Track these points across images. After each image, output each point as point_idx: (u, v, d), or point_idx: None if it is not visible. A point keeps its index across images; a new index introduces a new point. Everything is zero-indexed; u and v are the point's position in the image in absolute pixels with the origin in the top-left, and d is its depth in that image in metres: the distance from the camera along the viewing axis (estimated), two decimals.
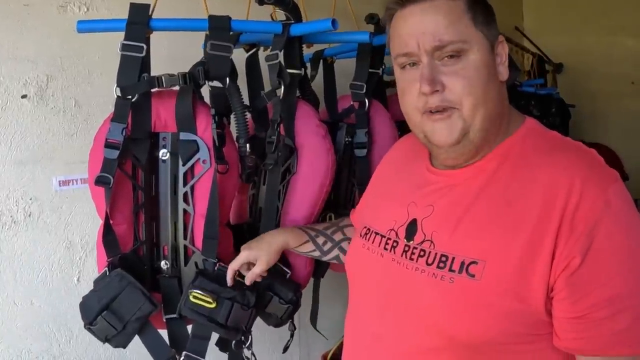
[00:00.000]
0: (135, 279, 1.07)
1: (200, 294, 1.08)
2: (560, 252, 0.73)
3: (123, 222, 1.12)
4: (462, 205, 0.84)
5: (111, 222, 1.09)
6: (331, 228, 1.23)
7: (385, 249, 0.92)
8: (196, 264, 1.14)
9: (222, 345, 1.23)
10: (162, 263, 1.16)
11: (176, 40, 1.35)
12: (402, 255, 0.88)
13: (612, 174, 0.79)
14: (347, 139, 1.47)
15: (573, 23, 3.72)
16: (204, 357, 1.11)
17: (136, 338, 1.10)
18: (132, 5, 1.10)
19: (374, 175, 1.15)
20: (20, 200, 1.32)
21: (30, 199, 1.34)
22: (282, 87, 1.21)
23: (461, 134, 0.83)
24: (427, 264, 0.83)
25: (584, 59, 3.70)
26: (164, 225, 1.16)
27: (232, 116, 1.18)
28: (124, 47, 1.08)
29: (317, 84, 1.52)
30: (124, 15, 1.10)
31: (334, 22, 1.18)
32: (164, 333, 1.14)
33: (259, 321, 1.23)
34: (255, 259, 1.13)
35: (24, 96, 1.32)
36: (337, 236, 1.21)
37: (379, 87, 1.55)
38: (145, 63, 1.10)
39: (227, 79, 1.12)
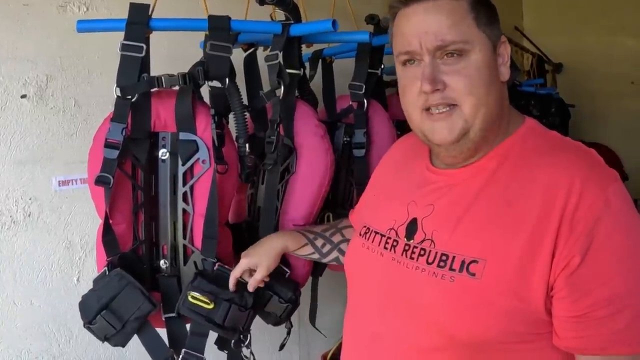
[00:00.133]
0: (135, 278, 1.07)
1: (199, 294, 1.08)
2: (560, 252, 0.74)
3: (122, 221, 1.12)
4: (462, 204, 0.84)
5: (111, 221, 1.09)
6: (330, 230, 1.23)
7: (385, 248, 0.92)
8: (195, 263, 1.14)
9: (221, 344, 1.23)
10: (162, 262, 1.16)
11: (176, 40, 1.35)
12: (402, 255, 0.88)
13: (611, 173, 0.79)
14: (345, 139, 1.47)
15: (573, 23, 3.73)
16: (202, 354, 1.12)
17: (135, 337, 1.11)
18: (131, 5, 1.10)
19: (373, 174, 1.15)
20: (19, 200, 1.32)
21: (30, 199, 1.34)
22: (282, 88, 1.21)
23: (461, 133, 0.83)
24: (428, 263, 0.83)
25: (583, 58, 3.70)
26: (164, 225, 1.16)
27: (231, 116, 1.18)
28: (124, 47, 1.08)
29: (316, 84, 1.52)
30: (124, 15, 1.10)
31: (334, 23, 1.18)
32: (163, 332, 1.14)
33: (258, 320, 1.23)
34: (255, 265, 1.13)
35: (23, 96, 1.32)
36: (336, 238, 1.21)
37: (379, 87, 1.56)
38: (145, 63, 1.10)
39: (227, 79, 1.12)
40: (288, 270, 1.25)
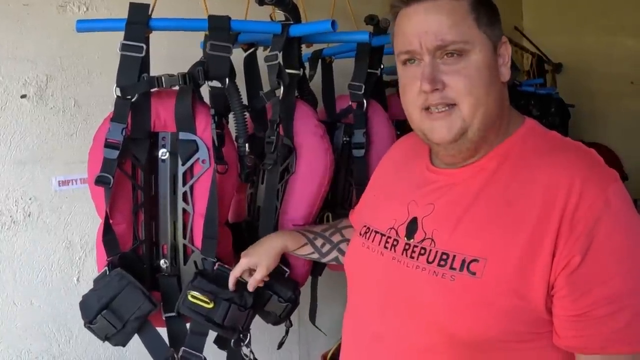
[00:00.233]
0: (135, 277, 1.07)
1: (198, 294, 1.08)
2: (561, 251, 0.74)
3: (122, 221, 1.12)
4: (463, 204, 0.84)
5: (111, 221, 1.09)
6: (329, 230, 1.23)
7: (386, 247, 0.92)
8: (195, 263, 1.14)
9: (220, 343, 1.23)
10: (162, 262, 1.16)
11: (176, 40, 1.35)
12: (402, 254, 0.88)
13: (611, 173, 0.79)
14: (345, 139, 1.47)
15: (572, 23, 3.73)
16: (201, 353, 1.12)
17: (136, 337, 1.11)
18: (131, 5, 1.10)
19: (373, 174, 1.15)
20: (19, 200, 1.32)
21: (30, 199, 1.34)
22: (282, 88, 1.21)
23: (459, 132, 0.83)
24: (428, 262, 0.83)
25: (583, 58, 3.70)
26: (164, 225, 1.16)
27: (231, 116, 1.18)
28: (124, 47, 1.08)
29: (316, 84, 1.52)
30: (124, 14, 1.10)
31: (333, 23, 1.18)
32: (163, 331, 1.14)
33: (258, 320, 1.23)
34: (255, 265, 1.14)
35: (23, 96, 1.32)
36: (336, 238, 1.21)
37: (378, 87, 1.56)
38: (144, 63, 1.10)
39: (227, 79, 1.12)
40: (287, 270, 1.25)
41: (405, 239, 0.89)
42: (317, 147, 1.28)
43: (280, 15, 1.27)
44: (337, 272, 1.29)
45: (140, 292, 1.07)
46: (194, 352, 1.11)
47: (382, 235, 0.94)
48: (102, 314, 1.06)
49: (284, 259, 1.23)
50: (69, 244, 1.41)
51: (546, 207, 0.76)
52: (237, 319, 1.12)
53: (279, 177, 1.28)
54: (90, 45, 1.40)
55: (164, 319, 1.15)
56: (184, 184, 1.14)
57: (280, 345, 1.36)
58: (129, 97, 1.09)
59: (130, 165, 1.13)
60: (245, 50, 1.33)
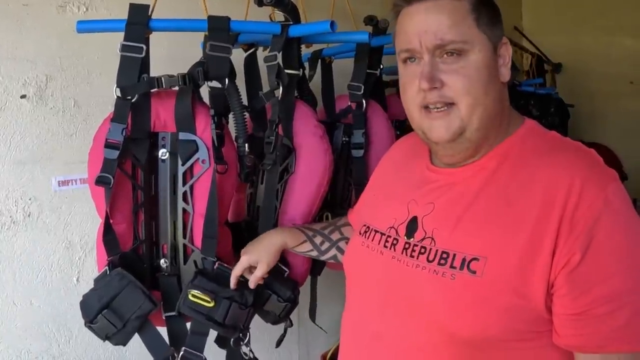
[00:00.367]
0: (135, 277, 1.07)
1: (199, 293, 1.08)
2: (560, 250, 0.74)
3: (123, 221, 1.12)
4: (463, 203, 0.84)
5: (111, 221, 1.10)
6: (329, 228, 1.23)
7: (385, 246, 0.92)
8: (195, 262, 1.14)
9: (220, 342, 1.23)
10: (162, 261, 1.17)
11: (176, 40, 1.35)
12: (402, 253, 0.88)
13: (611, 173, 0.79)
14: (344, 139, 1.48)
15: (572, 23, 3.73)
16: (202, 353, 1.12)
17: (136, 337, 1.11)
18: (131, 5, 1.10)
19: (373, 174, 1.15)
20: (19, 201, 1.32)
21: (30, 199, 1.34)
22: (281, 88, 1.22)
23: (457, 132, 0.84)
24: (428, 261, 0.84)
25: (582, 58, 3.70)
26: (164, 225, 1.16)
27: (230, 116, 1.18)
28: (124, 48, 1.08)
29: (315, 84, 1.52)
30: (124, 15, 1.10)
31: (332, 24, 1.18)
32: (163, 330, 1.14)
33: (258, 320, 1.23)
34: (255, 262, 1.14)
35: (23, 96, 1.32)
36: (335, 236, 1.21)
37: (378, 88, 1.56)
38: (144, 63, 1.11)
39: (226, 79, 1.12)
40: (287, 270, 1.25)
41: (405, 238, 0.90)
42: (316, 147, 1.28)
43: (279, 15, 1.27)
44: (336, 271, 1.29)
45: (141, 291, 1.07)
46: (195, 352, 1.11)
47: (382, 234, 0.94)
48: (103, 313, 1.06)
49: (283, 258, 1.23)
50: (69, 244, 1.41)
51: (546, 207, 0.76)
52: (237, 317, 1.12)
53: (278, 177, 1.28)
54: (90, 46, 1.40)
55: (164, 318, 1.15)
56: (184, 183, 1.14)
57: (278, 343, 1.36)
58: (129, 97, 1.09)
59: (130, 165, 1.13)
60: (246, 51, 1.33)
